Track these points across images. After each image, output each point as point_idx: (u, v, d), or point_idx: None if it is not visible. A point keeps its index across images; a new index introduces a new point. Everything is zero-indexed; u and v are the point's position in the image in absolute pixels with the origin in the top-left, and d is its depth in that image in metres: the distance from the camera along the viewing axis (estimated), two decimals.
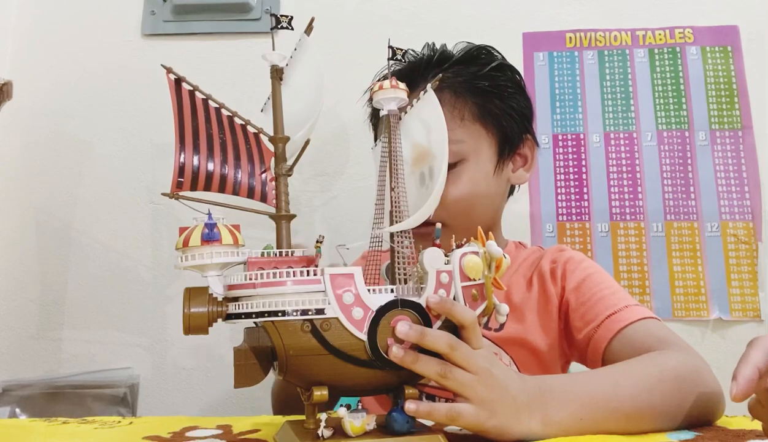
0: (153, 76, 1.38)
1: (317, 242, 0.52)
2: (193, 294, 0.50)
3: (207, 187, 0.51)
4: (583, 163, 1.35)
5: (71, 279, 1.37)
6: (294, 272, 0.48)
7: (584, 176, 1.34)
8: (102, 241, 1.38)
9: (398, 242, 0.52)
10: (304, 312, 0.48)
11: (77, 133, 1.43)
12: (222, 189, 0.52)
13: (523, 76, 0.94)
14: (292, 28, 0.58)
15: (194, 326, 0.49)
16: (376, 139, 0.95)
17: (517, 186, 0.95)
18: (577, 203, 1.33)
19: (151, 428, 0.61)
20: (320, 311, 0.48)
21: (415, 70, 0.86)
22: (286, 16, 0.58)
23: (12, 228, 1.39)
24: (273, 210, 0.55)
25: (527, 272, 0.88)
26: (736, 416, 0.63)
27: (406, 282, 0.51)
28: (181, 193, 0.51)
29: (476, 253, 0.53)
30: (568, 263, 0.84)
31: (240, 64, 1.42)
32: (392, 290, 0.51)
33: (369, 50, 1.44)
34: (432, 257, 0.51)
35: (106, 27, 1.47)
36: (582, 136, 1.36)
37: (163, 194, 0.51)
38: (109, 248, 1.38)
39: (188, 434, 0.59)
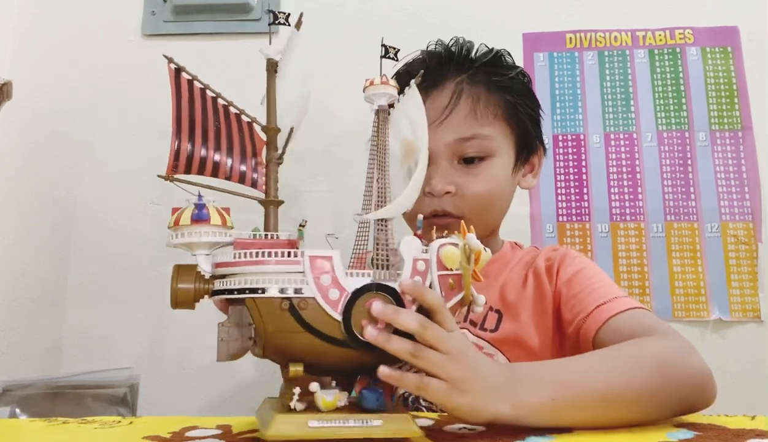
0: (153, 76, 1.38)
1: (300, 225, 0.55)
2: (182, 270, 0.53)
3: (200, 172, 0.54)
4: (583, 163, 1.35)
5: (71, 279, 1.37)
6: (276, 252, 0.50)
7: (584, 177, 1.34)
8: (102, 241, 1.38)
9: (379, 230, 0.54)
10: (283, 290, 0.49)
11: (77, 133, 1.43)
12: (215, 174, 0.54)
13: None
14: (290, 25, 0.59)
15: (180, 301, 0.53)
16: None
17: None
18: (577, 204, 1.33)
19: (151, 428, 0.61)
20: (298, 291, 0.50)
21: (448, 63, 0.88)
22: (284, 13, 0.59)
23: (12, 228, 1.39)
24: (262, 196, 0.57)
25: (522, 270, 0.88)
26: (736, 416, 0.63)
27: (387, 268, 0.53)
28: (176, 176, 0.53)
29: (456, 244, 0.54)
30: (563, 259, 0.85)
31: (240, 64, 1.42)
32: (371, 275, 0.52)
33: (369, 50, 1.45)
34: (408, 245, 0.53)
35: (106, 27, 1.47)
36: (582, 136, 1.36)
37: (159, 176, 0.53)
38: (109, 248, 1.38)
39: (188, 434, 0.59)
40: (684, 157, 1.33)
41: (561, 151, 1.36)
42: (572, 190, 1.34)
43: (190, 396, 1.33)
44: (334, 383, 0.52)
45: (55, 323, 1.35)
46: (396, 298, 0.51)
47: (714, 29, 1.37)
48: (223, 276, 0.53)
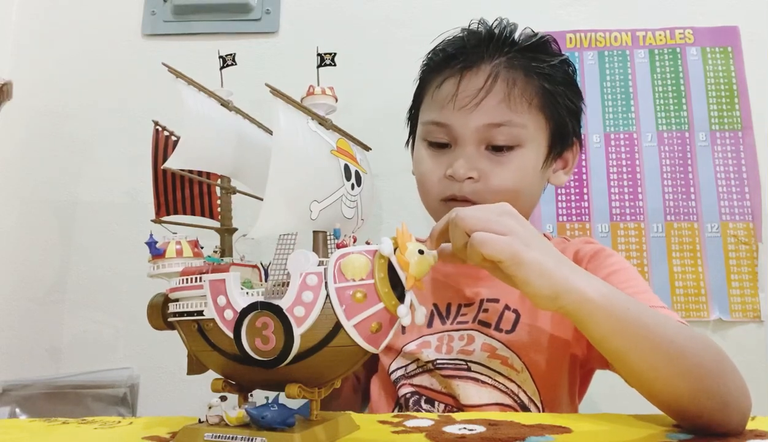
0: (153, 76, 1.38)
1: (213, 251, 0.59)
2: (157, 296, 0.60)
3: (175, 212, 0.64)
4: (584, 163, 1.35)
5: (71, 279, 1.37)
6: (191, 278, 0.54)
7: (584, 177, 1.34)
8: (102, 241, 1.38)
9: (280, 245, 0.53)
10: (190, 314, 0.54)
11: (77, 133, 1.43)
12: (184, 212, 0.65)
13: None
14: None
15: (152, 324, 0.60)
16: (410, 135, 0.93)
17: None
18: (577, 204, 1.33)
19: (151, 428, 0.61)
20: (200, 313, 0.53)
21: (487, 44, 0.83)
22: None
23: (12, 228, 1.39)
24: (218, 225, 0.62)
25: None
26: None
27: (284, 285, 0.50)
28: (163, 219, 0.63)
29: (372, 252, 0.49)
30: (595, 257, 0.80)
31: (240, 64, 1.41)
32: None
33: (369, 50, 1.45)
34: (297, 260, 0.50)
35: (106, 27, 1.47)
36: (582, 136, 1.36)
37: (152, 220, 0.62)
38: (109, 247, 1.38)
39: None
40: (684, 157, 1.33)
41: None
42: (572, 190, 1.34)
43: (190, 396, 1.33)
44: (278, 401, 0.51)
45: (55, 323, 1.35)
46: (280, 315, 0.49)
47: (714, 29, 1.37)
48: (176, 300, 0.57)
